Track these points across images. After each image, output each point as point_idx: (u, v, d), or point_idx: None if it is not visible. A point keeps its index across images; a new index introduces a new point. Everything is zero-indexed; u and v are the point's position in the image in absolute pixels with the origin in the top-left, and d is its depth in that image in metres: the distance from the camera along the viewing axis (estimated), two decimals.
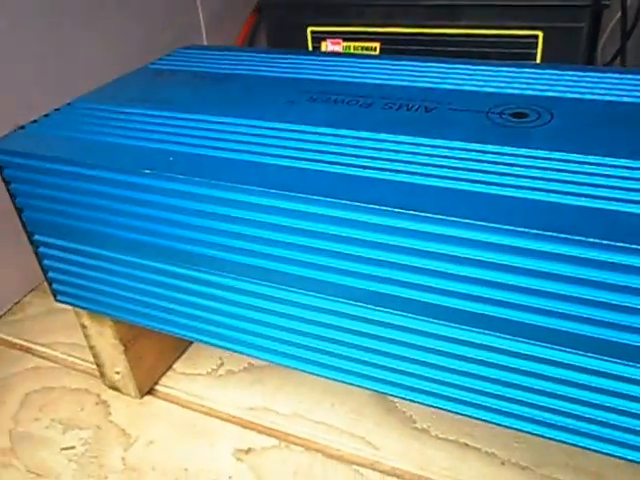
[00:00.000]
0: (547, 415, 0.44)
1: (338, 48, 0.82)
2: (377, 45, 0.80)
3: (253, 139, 0.50)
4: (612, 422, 0.42)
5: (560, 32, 0.71)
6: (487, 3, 0.73)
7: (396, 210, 0.40)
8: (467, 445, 0.60)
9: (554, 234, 0.36)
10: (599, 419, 0.42)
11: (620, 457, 0.43)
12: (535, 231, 0.37)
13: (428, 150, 0.46)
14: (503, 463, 0.58)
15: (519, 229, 0.37)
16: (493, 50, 0.75)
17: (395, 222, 0.40)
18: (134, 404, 0.68)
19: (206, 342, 0.56)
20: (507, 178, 0.42)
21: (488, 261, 0.39)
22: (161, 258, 0.52)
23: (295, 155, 0.47)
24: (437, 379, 0.47)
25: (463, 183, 0.42)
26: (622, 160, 0.43)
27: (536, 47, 0.73)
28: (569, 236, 0.36)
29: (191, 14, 1.05)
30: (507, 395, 0.44)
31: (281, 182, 0.44)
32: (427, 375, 0.47)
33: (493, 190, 0.41)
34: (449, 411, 0.48)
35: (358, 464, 0.60)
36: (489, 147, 0.45)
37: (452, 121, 0.49)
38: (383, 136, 0.48)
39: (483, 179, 0.42)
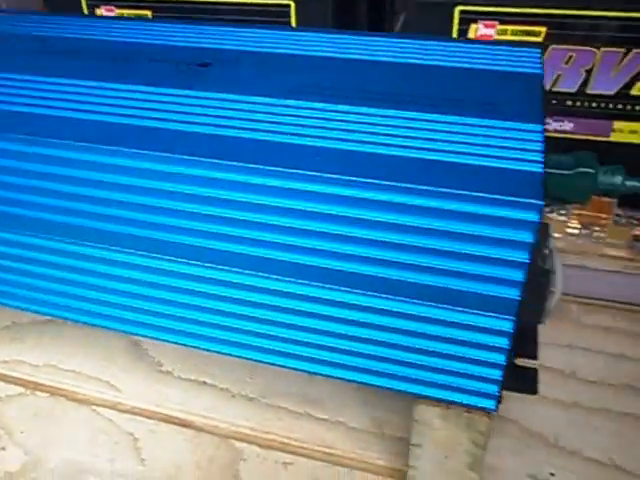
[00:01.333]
0: (276, 344, 0.48)
1: (112, 15, 0.84)
2: (148, 13, 0.83)
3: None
4: (325, 344, 0.47)
5: (310, 2, 0.77)
6: None
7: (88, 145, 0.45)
8: (205, 383, 0.64)
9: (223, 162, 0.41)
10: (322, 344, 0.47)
11: (338, 378, 0.48)
12: (197, 158, 0.42)
13: (112, 93, 0.50)
14: (233, 396, 0.63)
15: (193, 158, 0.42)
16: (253, 18, 0.79)
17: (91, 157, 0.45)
18: None
19: None
20: (172, 115, 0.47)
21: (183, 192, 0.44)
22: None
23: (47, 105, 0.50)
24: (177, 316, 0.50)
25: (136, 119, 0.47)
26: (274, 99, 0.48)
27: (289, 16, 0.78)
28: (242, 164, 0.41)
29: None
30: (237, 327, 0.49)
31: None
32: (170, 314, 0.50)
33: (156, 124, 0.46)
34: (185, 345, 0.52)
35: (98, 405, 0.62)
36: (165, 90, 0.51)
37: (143, 70, 0.54)
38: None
39: (152, 116, 0.47)
